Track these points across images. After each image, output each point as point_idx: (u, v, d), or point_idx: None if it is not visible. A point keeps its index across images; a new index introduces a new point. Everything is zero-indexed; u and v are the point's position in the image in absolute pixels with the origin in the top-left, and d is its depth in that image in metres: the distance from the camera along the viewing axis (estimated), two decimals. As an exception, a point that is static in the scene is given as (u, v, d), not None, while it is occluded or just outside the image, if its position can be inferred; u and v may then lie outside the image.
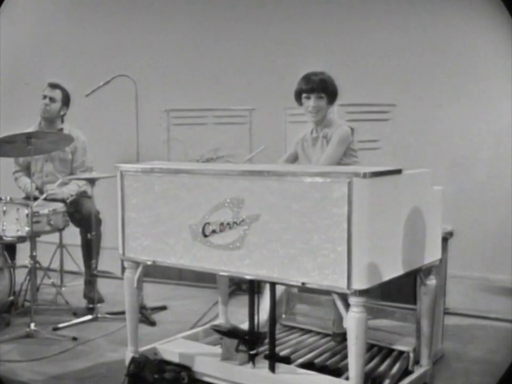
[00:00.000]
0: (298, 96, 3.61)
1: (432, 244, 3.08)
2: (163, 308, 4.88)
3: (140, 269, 3.40)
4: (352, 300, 2.60)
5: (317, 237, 2.65)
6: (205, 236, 3.02)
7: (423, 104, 5.68)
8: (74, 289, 5.31)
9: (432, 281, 3.18)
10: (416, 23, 5.73)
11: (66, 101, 5.02)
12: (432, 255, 3.10)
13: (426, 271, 3.12)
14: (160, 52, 6.52)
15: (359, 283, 2.57)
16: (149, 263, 3.30)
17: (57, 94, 4.98)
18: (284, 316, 4.14)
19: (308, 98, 3.54)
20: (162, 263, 3.24)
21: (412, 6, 5.71)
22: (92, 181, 4.64)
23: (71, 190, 4.99)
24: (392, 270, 2.75)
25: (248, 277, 2.93)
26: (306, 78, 3.56)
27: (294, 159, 3.77)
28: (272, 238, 2.79)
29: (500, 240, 5.46)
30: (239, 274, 2.95)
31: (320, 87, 3.51)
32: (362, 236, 2.56)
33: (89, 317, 4.56)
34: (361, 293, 2.58)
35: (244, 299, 3.39)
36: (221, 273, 3.06)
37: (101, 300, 4.80)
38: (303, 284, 2.72)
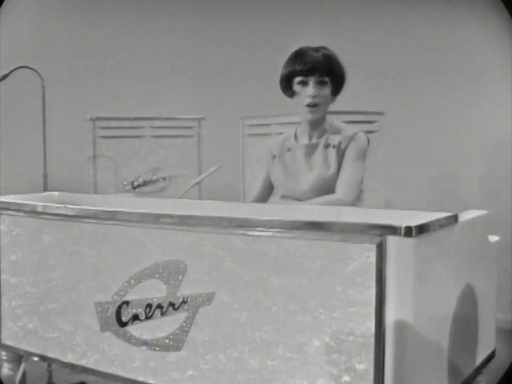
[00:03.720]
0: (287, 82, 2.40)
1: (486, 328, 1.94)
2: (81, 385, 3.61)
3: (24, 365, 2.18)
4: None
5: (318, 342, 1.47)
6: (122, 323, 1.82)
7: (416, 113, 4.75)
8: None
9: (482, 386, 2.03)
10: (411, 21, 5.04)
11: None
12: (485, 345, 1.96)
13: (475, 372, 1.96)
14: (83, 47, 5.30)
15: (397, 430, 1.39)
16: (35, 358, 2.08)
17: None
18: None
19: (304, 83, 2.35)
20: (55, 361, 2.02)
21: (406, 4, 4.85)
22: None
23: None
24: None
25: (193, 399, 1.72)
26: (301, 54, 2.37)
27: (270, 187, 2.56)
28: (236, 336, 1.60)
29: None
30: (177, 393, 1.73)
31: (325, 66, 2.33)
32: (402, 341, 1.39)
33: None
34: None
35: None
36: (148, 388, 1.83)
37: None
38: (291, 420, 1.53)
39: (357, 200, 2.36)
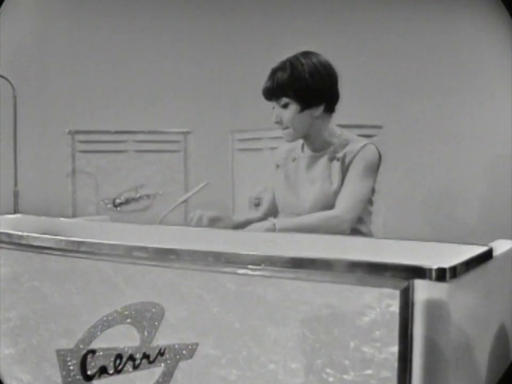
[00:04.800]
0: None
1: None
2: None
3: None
4: None
5: (326, 410, 1.19)
6: (87, 376, 1.53)
7: (415, 126, 4.61)
8: None
9: None
10: (408, 26, 5.05)
11: None
12: None
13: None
14: (62, 56, 5.08)
15: None
16: (-11, 412, 1.79)
17: None
18: None
19: (273, 108, 2.19)
20: (11, 417, 1.72)
21: (405, 7, 4.83)
22: None
23: None
24: None
25: None
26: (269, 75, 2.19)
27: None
28: (224, 398, 1.32)
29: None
30: None
31: (281, 89, 2.12)
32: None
33: None
34: None
35: None
36: None
37: None
38: None
39: (364, 223, 2.11)
